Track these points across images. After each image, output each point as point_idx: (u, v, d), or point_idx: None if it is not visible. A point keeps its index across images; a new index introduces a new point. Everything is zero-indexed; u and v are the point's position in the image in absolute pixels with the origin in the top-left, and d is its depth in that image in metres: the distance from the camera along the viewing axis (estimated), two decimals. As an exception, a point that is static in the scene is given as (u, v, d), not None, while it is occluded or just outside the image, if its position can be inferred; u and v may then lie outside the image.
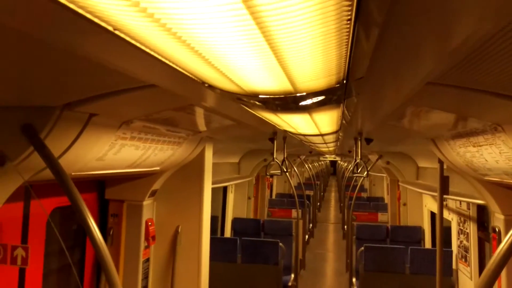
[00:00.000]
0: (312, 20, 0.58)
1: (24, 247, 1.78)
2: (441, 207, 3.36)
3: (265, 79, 0.97)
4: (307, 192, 10.94)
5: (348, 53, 0.80)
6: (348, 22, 0.61)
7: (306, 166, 14.94)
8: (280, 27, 0.61)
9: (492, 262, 1.32)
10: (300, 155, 10.43)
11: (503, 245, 1.31)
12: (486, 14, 0.70)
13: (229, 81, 1.04)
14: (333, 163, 31.32)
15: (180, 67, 0.98)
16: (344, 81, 1.08)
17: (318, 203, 16.15)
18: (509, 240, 1.29)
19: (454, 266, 5.00)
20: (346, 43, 0.72)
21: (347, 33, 0.66)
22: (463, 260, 4.75)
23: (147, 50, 0.85)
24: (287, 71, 0.86)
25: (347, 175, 15.20)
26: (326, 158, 13.45)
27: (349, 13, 0.58)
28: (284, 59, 0.76)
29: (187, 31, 0.65)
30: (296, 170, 10.75)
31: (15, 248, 1.77)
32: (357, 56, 0.86)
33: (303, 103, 1.31)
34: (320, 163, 20.85)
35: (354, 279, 6.29)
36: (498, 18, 0.70)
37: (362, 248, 5.47)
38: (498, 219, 2.83)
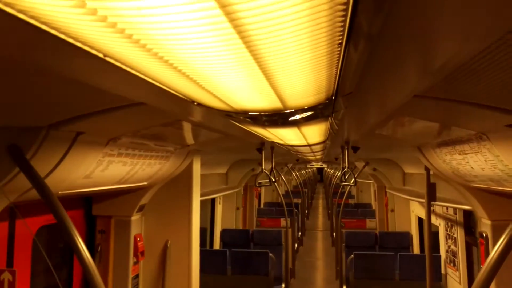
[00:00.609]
0: (304, 45, 0.58)
1: (11, 270, 1.73)
2: (429, 214, 3.39)
3: (255, 98, 0.97)
4: (295, 200, 10.94)
5: (338, 72, 0.80)
6: (339, 46, 0.61)
7: (294, 174, 14.97)
8: (271, 51, 0.61)
9: (482, 272, 1.33)
10: (287, 163, 10.45)
11: (492, 255, 1.32)
12: (468, 36, 0.71)
13: (218, 100, 1.04)
14: (320, 170, 31.45)
15: (168, 87, 0.97)
16: (333, 97, 1.09)
17: (306, 211, 16.17)
18: (498, 250, 1.31)
19: (442, 271, 5.04)
20: (337, 64, 0.73)
21: (338, 56, 0.67)
22: (452, 264, 4.79)
23: (135, 73, 0.84)
24: (277, 91, 0.86)
25: (334, 182, 15.27)
26: (313, 165, 13.50)
27: (341, 37, 0.58)
28: (275, 81, 0.77)
29: (174, 55, 0.64)
30: (283, 178, 10.76)
31: (1, 272, 1.73)
32: (346, 74, 0.86)
33: (292, 118, 1.32)
34: (307, 170, 20.91)
35: (344, 287, 6.29)
36: (480, 40, 0.72)
37: (352, 256, 5.49)
38: (485, 225, 2.86)
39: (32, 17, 0.52)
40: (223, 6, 0.47)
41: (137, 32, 0.53)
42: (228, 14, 0.48)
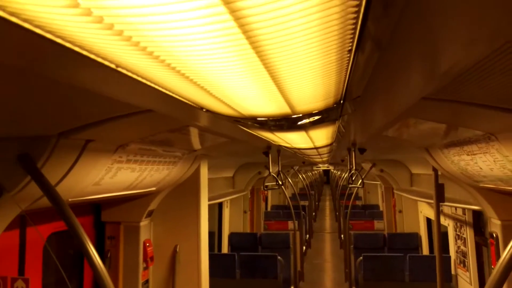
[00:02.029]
0: (315, 52, 0.59)
1: (24, 279, 1.75)
2: (438, 215, 3.38)
3: (263, 104, 0.98)
4: (302, 203, 10.93)
5: (347, 78, 0.81)
6: (349, 52, 0.62)
7: (300, 176, 14.94)
8: (282, 58, 0.62)
9: (494, 273, 1.32)
10: (293, 166, 10.44)
11: (504, 256, 1.31)
12: (475, 41, 0.71)
13: (227, 106, 1.04)
14: (326, 172, 31.39)
15: (178, 94, 0.98)
16: (341, 101, 1.09)
17: (314, 213, 16.13)
18: (511, 251, 1.30)
19: (452, 272, 5.01)
20: (346, 70, 0.73)
21: (347, 61, 0.67)
22: (462, 265, 4.76)
23: (144, 81, 0.85)
24: (286, 97, 0.87)
25: (341, 184, 15.23)
26: (319, 167, 13.48)
27: (351, 44, 0.59)
28: (285, 87, 0.77)
29: (182, 63, 0.65)
30: (290, 181, 10.75)
31: (15, 280, 1.75)
32: (355, 79, 0.87)
33: (300, 123, 1.32)
34: (313, 172, 20.87)
35: (353, 289, 6.27)
36: (487, 44, 0.72)
37: (361, 257, 5.47)
38: (495, 225, 2.84)
39: (40, 27, 0.53)
40: (232, 11, 0.46)
41: (144, 39, 0.54)
42: (238, 19, 0.48)
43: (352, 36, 0.56)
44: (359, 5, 0.45)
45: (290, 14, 0.47)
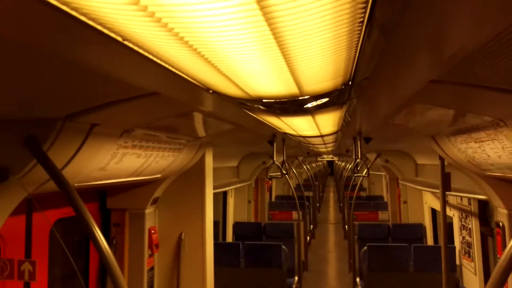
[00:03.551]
0: (326, 23, 0.57)
1: (31, 261, 1.76)
2: (444, 204, 3.36)
3: (271, 84, 0.97)
4: (306, 193, 10.94)
5: (357, 55, 0.79)
6: (360, 24, 0.61)
7: (304, 167, 14.93)
8: (293, 30, 0.60)
9: (500, 263, 1.31)
10: (298, 156, 10.44)
11: (511, 245, 1.30)
12: (482, 20, 0.70)
13: (235, 86, 1.03)
14: (330, 163, 31.36)
15: (184, 73, 0.97)
16: (350, 82, 1.08)
17: (318, 204, 16.15)
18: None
19: (457, 262, 5.01)
20: (356, 45, 0.72)
21: (358, 35, 0.66)
22: (467, 255, 4.76)
23: (153, 58, 0.84)
24: (295, 75, 0.85)
25: (345, 175, 15.20)
26: (324, 158, 13.46)
27: (362, 15, 0.58)
28: (294, 63, 0.76)
29: (197, 38, 0.64)
30: (294, 171, 10.75)
31: (22, 262, 1.76)
32: (365, 58, 0.86)
33: (306, 106, 1.31)
34: (317, 163, 20.86)
35: (358, 279, 6.28)
36: (494, 24, 0.71)
37: (365, 248, 5.47)
38: (501, 214, 2.83)
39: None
40: None
41: (160, 10, 0.53)
42: None
43: (364, 5, 0.54)
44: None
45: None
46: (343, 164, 19.61)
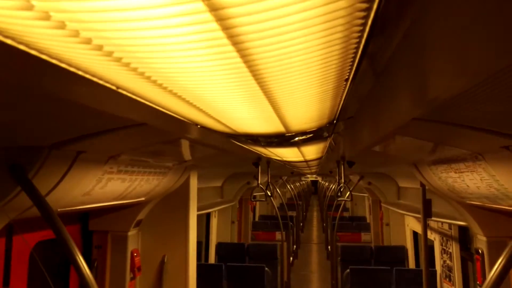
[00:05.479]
0: (314, 82, 0.60)
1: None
2: (425, 230, 3.41)
3: (258, 123, 0.99)
4: (290, 213, 10.93)
5: (342, 102, 0.82)
6: (346, 81, 0.64)
7: (288, 186, 14.95)
8: (280, 84, 0.63)
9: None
10: (282, 176, 10.45)
11: (492, 275, 1.34)
12: (461, 73, 0.75)
13: (221, 124, 1.05)
14: (314, 182, 31.45)
15: (171, 111, 0.99)
16: (334, 121, 1.11)
17: (301, 224, 16.12)
18: (497, 270, 1.33)
19: (438, 286, 5.04)
20: (341, 96, 0.75)
21: (343, 89, 0.69)
22: (447, 279, 4.80)
23: (138, 99, 0.85)
24: (282, 118, 0.88)
25: (328, 195, 15.26)
26: (308, 178, 13.51)
27: (348, 74, 0.61)
28: (281, 110, 0.79)
29: (173, 82, 0.64)
30: (278, 191, 10.75)
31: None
32: (349, 102, 0.89)
33: (293, 140, 1.34)
34: (301, 182, 20.90)
35: (340, 302, 6.27)
36: (472, 76, 0.75)
37: (348, 270, 5.48)
38: (480, 241, 2.88)
39: (35, 49, 0.52)
40: (230, 36, 0.45)
41: (134, 60, 0.52)
42: (235, 44, 0.47)
43: (350, 66, 0.57)
44: (358, 43, 0.47)
45: (291, 45, 0.49)
46: (327, 183, 19.69)
